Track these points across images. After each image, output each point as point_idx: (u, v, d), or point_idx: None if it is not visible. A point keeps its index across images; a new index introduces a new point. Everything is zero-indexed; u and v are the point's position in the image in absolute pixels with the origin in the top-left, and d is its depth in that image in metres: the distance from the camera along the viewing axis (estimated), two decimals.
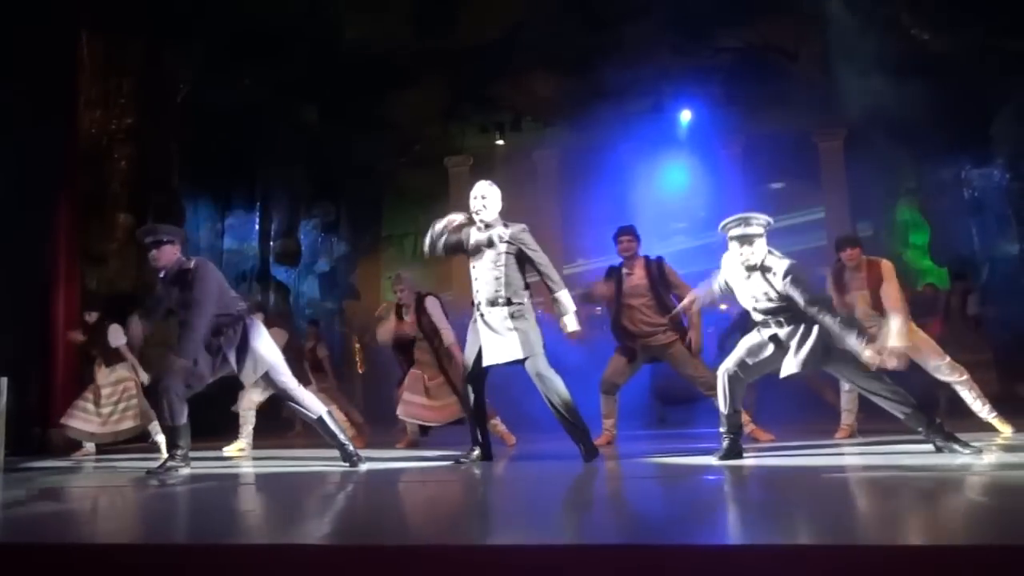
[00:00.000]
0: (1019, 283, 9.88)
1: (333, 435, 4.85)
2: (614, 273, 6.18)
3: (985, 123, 10.41)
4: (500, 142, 13.96)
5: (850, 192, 12.71)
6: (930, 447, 4.29)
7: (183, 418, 4.71)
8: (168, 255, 4.87)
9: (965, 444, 4.19)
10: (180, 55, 9.91)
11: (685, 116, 13.37)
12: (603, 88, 12.01)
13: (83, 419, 6.86)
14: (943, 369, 5.32)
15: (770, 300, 4.28)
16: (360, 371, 10.24)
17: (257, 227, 12.57)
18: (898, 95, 10.02)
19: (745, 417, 5.81)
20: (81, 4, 8.40)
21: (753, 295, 4.35)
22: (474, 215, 4.85)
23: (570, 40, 11.90)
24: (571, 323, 4.72)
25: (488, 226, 4.82)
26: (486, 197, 4.86)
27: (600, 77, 11.84)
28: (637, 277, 6.04)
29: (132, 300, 8.40)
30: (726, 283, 4.54)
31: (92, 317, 7.07)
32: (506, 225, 4.82)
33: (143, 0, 9.18)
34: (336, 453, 4.86)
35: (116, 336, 6.84)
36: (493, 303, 4.68)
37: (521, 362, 4.65)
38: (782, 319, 4.30)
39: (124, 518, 3.40)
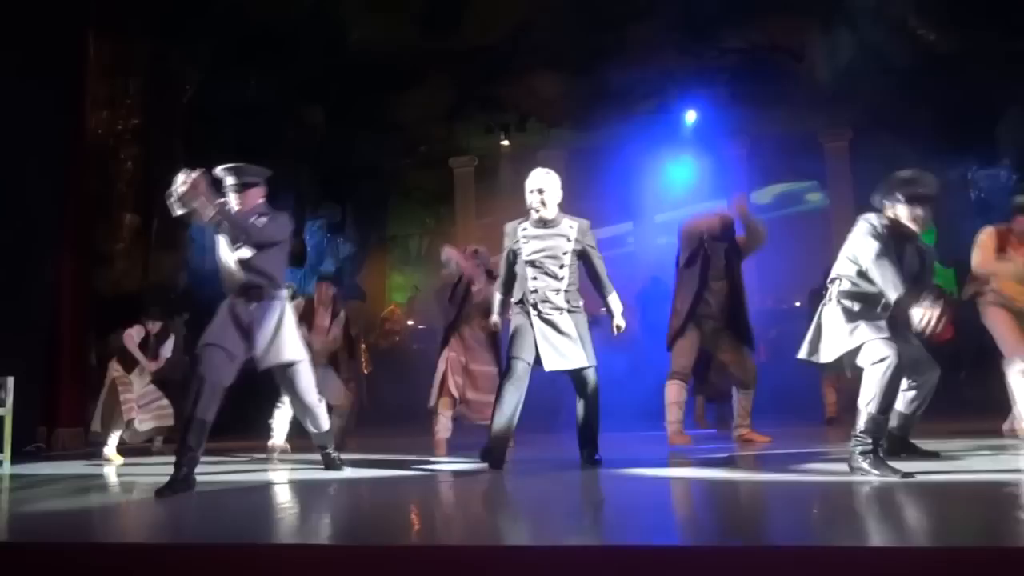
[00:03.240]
0: None
1: (324, 444, 4.72)
2: (703, 246, 5.85)
3: (992, 124, 10.38)
4: (505, 143, 13.96)
5: (856, 193, 12.67)
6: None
7: (210, 414, 3.96)
8: (252, 199, 4.26)
9: (894, 471, 3.55)
10: (186, 56, 9.93)
11: (691, 116, 13.36)
12: (608, 89, 12.01)
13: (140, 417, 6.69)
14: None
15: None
16: (365, 372, 10.24)
17: None
18: (904, 96, 9.99)
19: (743, 420, 5.81)
20: (88, 4, 8.43)
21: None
22: (532, 212, 4.53)
23: (575, 41, 11.89)
24: (621, 322, 4.64)
25: (549, 222, 4.53)
26: (544, 191, 4.48)
27: (605, 78, 11.83)
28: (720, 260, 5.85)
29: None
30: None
31: (155, 327, 6.63)
32: (571, 224, 4.53)
33: (150, 1, 9.21)
34: (346, 455, 4.85)
35: (167, 350, 6.63)
36: (554, 306, 4.45)
37: (574, 369, 4.46)
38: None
39: (130, 518, 3.41)
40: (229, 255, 4.21)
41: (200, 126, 9.93)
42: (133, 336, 6.42)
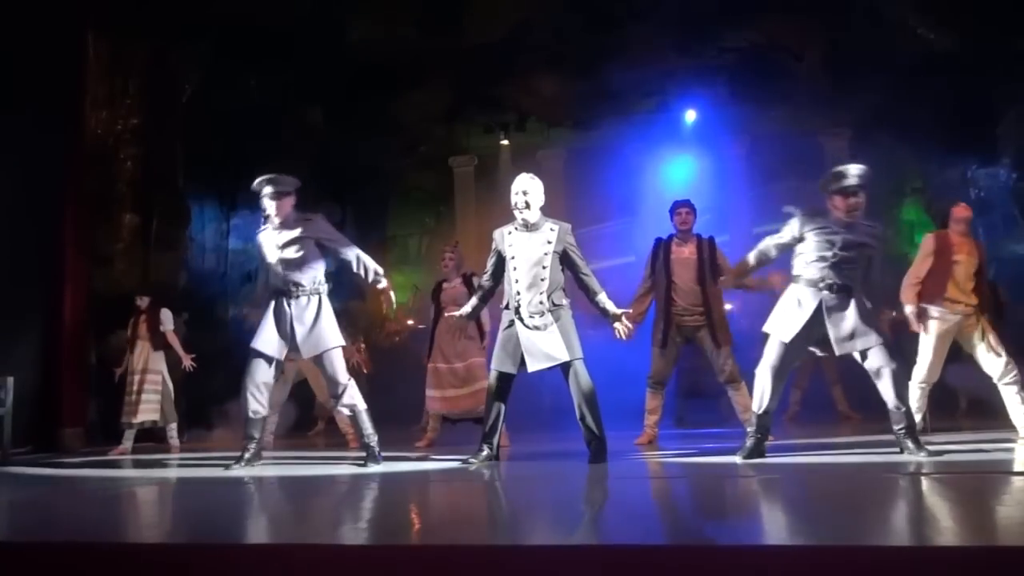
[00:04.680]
0: None
1: (361, 432, 4.79)
2: (661, 247, 6.00)
3: (992, 123, 10.38)
4: (505, 142, 13.96)
5: None
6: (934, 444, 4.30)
7: (262, 409, 4.71)
8: (286, 207, 4.80)
9: (922, 447, 4.22)
10: (186, 56, 9.92)
11: (690, 116, 13.35)
12: (608, 88, 12.00)
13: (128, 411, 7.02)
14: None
15: (846, 251, 4.30)
16: (365, 372, 10.23)
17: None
18: (904, 94, 9.99)
19: (745, 415, 5.81)
20: (88, 4, 8.42)
21: (833, 244, 4.30)
22: (516, 213, 4.70)
23: (575, 40, 11.88)
24: (623, 322, 4.67)
25: (532, 225, 4.70)
26: (528, 193, 4.69)
27: (605, 77, 11.82)
28: (688, 252, 5.92)
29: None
30: (797, 236, 4.41)
31: (144, 301, 7.22)
32: (552, 227, 4.69)
33: (150, 1, 9.20)
34: (350, 453, 4.86)
35: (167, 320, 7.10)
36: (537, 310, 4.55)
37: (561, 365, 4.55)
38: (843, 275, 4.29)
39: (130, 517, 3.41)
40: (274, 256, 4.73)
41: (200, 126, 9.92)
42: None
